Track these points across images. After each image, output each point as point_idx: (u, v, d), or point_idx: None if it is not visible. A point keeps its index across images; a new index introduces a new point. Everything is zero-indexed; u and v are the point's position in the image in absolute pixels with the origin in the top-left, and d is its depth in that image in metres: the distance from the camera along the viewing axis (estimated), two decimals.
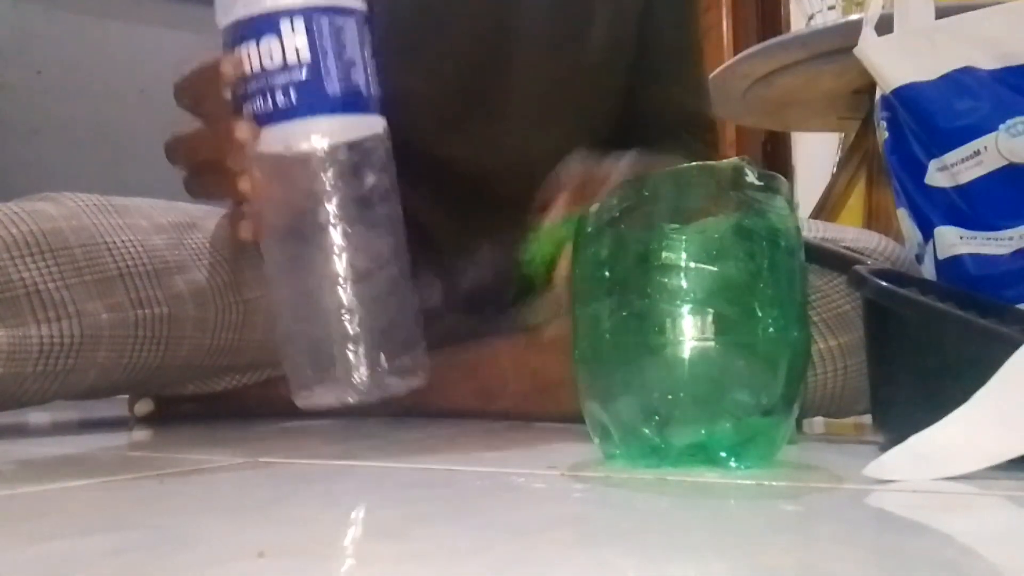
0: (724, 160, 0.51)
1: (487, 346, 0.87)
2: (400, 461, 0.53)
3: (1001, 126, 0.63)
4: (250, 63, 0.48)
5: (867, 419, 0.65)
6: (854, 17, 1.42)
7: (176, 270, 0.72)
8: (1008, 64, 0.64)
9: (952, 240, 0.66)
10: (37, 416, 0.90)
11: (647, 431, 0.48)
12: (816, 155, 2.23)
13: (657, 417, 0.47)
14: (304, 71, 0.48)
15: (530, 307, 0.92)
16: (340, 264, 0.49)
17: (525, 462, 0.52)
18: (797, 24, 2.24)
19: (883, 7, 0.75)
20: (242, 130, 0.48)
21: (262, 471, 0.49)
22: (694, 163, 0.52)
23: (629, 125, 0.95)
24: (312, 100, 0.48)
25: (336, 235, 0.49)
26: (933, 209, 0.67)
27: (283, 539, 0.31)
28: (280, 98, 0.48)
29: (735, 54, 1.50)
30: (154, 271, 0.71)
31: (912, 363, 0.56)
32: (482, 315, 0.96)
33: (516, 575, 0.26)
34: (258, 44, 0.48)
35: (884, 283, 0.57)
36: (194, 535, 0.32)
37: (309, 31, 0.48)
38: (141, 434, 0.73)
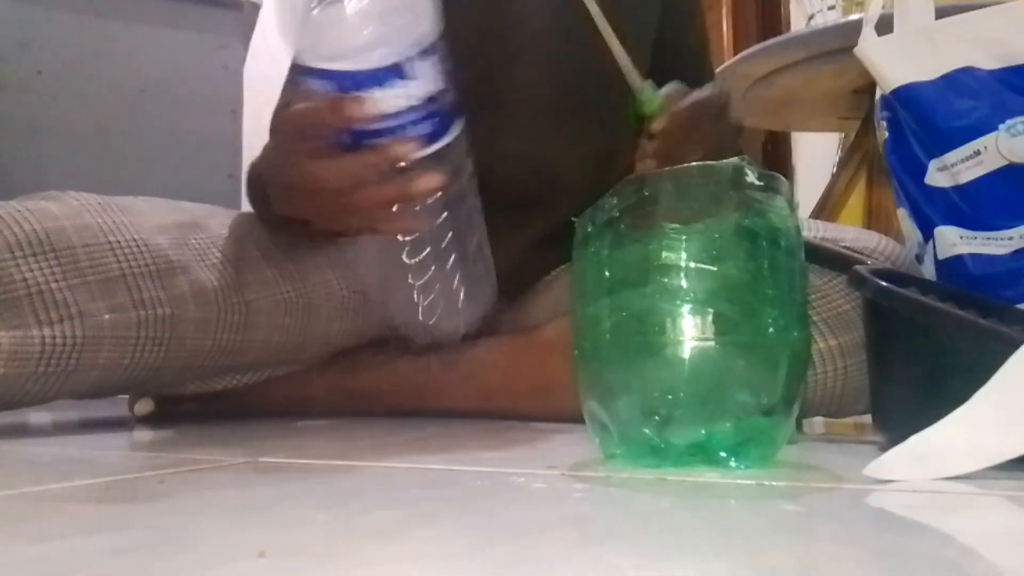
0: (724, 160, 0.51)
1: (487, 346, 0.87)
2: (400, 461, 0.53)
3: (1001, 126, 0.63)
4: (376, 108, 0.53)
5: (867, 419, 0.65)
6: (854, 17, 1.42)
7: (179, 271, 0.72)
8: (1008, 64, 0.64)
9: (952, 240, 0.66)
10: (37, 416, 0.90)
11: (647, 431, 0.48)
12: (816, 155, 2.23)
13: (657, 417, 0.47)
14: (425, 107, 0.54)
15: (530, 307, 0.92)
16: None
17: (525, 462, 0.52)
18: (797, 24, 2.24)
19: (883, 7, 0.75)
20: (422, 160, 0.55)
21: (262, 471, 0.49)
22: (694, 163, 0.52)
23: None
24: (438, 127, 0.55)
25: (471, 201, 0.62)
26: (933, 209, 0.67)
27: (283, 539, 0.31)
28: (410, 132, 0.54)
29: (735, 54, 1.50)
30: (157, 271, 0.71)
31: (912, 363, 0.56)
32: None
33: (516, 575, 0.26)
34: (382, 88, 0.53)
35: (884, 283, 0.57)
36: (194, 535, 0.32)
37: (432, 74, 0.53)
38: (141, 434, 0.73)
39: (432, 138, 0.55)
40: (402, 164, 0.55)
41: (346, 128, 0.55)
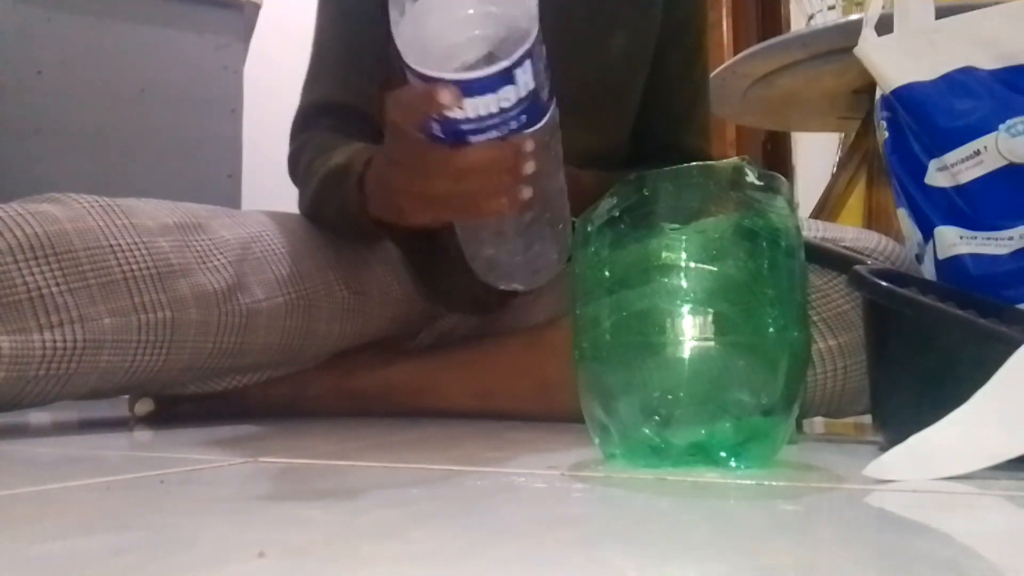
0: (724, 160, 0.51)
1: (487, 346, 0.87)
2: (400, 461, 0.53)
3: (1001, 126, 0.63)
4: (487, 109, 0.55)
5: (867, 419, 0.65)
6: (854, 17, 1.41)
7: (180, 273, 0.72)
8: (1008, 64, 0.64)
9: (952, 240, 0.66)
10: (37, 416, 0.90)
11: (647, 431, 0.48)
12: (816, 155, 2.23)
13: (657, 417, 0.47)
14: (530, 99, 0.55)
15: (530, 307, 0.92)
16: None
17: (525, 462, 0.52)
18: (797, 24, 2.24)
19: (883, 7, 0.75)
20: (528, 146, 0.58)
21: (262, 471, 0.49)
22: (694, 163, 0.52)
23: (630, 156, 0.96)
24: (537, 113, 0.57)
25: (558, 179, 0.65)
26: (933, 209, 0.67)
27: (283, 539, 0.31)
28: (513, 125, 0.57)
29: (735, 54, 1.50)
30: (158, 274, 0.71)
31: (912, 363, 0.56)
32: (483, 315, 0.96)
33: (516, 575, 0.26)
34: (496, 94, 0.54)
35: (884, 283, 0.57)
36: (194, 535, 0.32)
37: (535, 68, 0.55)
38: (141, 434, 0.73)
39: (530, 124, 0.57)
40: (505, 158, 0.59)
41: (447, 126, 0.57)
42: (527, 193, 0.60)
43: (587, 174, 0.87)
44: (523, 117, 0.56)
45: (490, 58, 0.55)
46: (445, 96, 0.54)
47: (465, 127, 0.56)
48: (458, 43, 0.55)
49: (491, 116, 0.56)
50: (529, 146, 0.58)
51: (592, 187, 0.78)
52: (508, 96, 0.55)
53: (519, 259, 0.65)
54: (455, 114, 0.55)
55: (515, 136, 0.57)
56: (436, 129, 0.57)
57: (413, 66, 0.55)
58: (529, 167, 0.59)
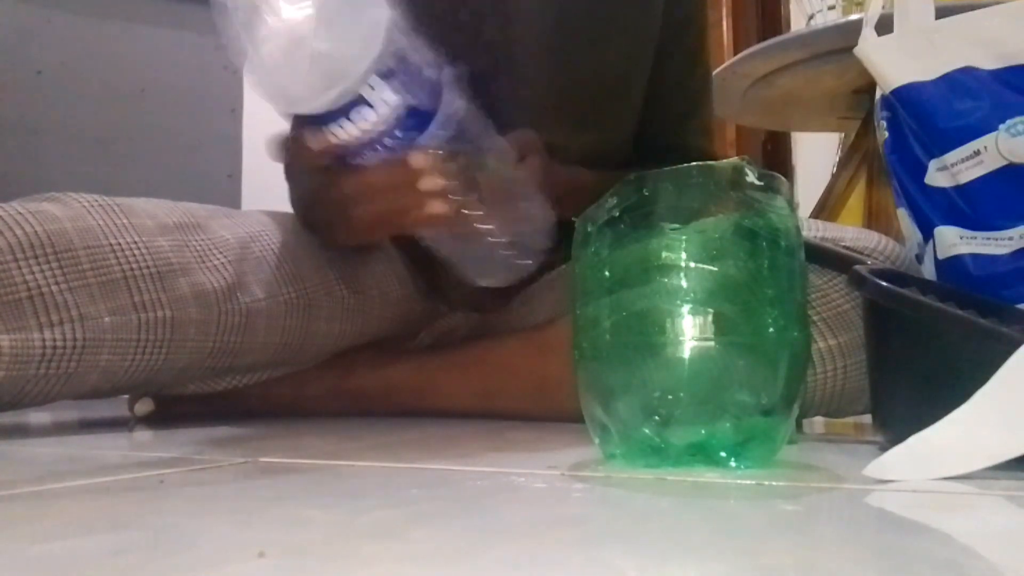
0: (724, 160, 0.51)
1: (487, 346, 0.87)
2: (400, 461, 0.53)
3: (1001, 126, 0.63)
4: (347, 134, 0.56)
5: (867, 419, 0.65)
6: (854, 17, 1.41)
7: (180, 272, 0.72)
8: (1008, 64, 0.64)
9: (952, 240, 0.66)
10: (37, 416, 0.90)
11: (647, 431, 0.48)
12: (816, 155, 2.23)
13: (657, 417, 0.47)
14: (398, 113, 0.56)
15: (530, 307, 0.92)
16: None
17: (525, 462, 0.52)
18: (797, 24, 2.24)
19: (883, 7, 0.75)
20: (417, 160, 0.58)
21: (262, 471, 0.49)
22: (694, 163, 0.52)
23: (633, 156, 0.96)
24: (417, 125, 0.58)
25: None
26: (933, 209, 0.67)
27: (283, 539, 0.31)
28: (395, 139, 0.57)
29: (735, 54, 1.50)
30: (158, 273, 0.71)
31: (912, 363, 0.56)
32: (483, 315, 0.96)
33: (516, 575, 0.26)
34: (349, 118, 0.55)
35: (884, 283, 0.57)
36: (194, 535, 0.32)
37: (393, 83, 0.55)
38: (141, 434, 0.73)
39: (412, 136, 0.58)
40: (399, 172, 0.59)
41: (328, 155, 0.59)
42: (438, 207, 0.60)
43: (589, 173, 0.87)
44: (396, 132, 0.57)
45: (328, 90, 0.56)
46: (311, 140, 0.57)
47: (343, 154, 0.58)
48: (301, 91, 0.56)
49: (359, 139, 0.57)
50: (417, 160, 0.58)
51: (594, 186, 0.78)
52: (366, 117, 0.56)
53: (490, 257, 0.66)
54: (326, 145, 0.57)
55: (397, 152, 0.58)
56: (324, 161, 0.60)
57: (276, 109, 0.57)
58: (428, 182, 0.59)
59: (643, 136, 0.98)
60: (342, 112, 0.55)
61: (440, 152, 0.59)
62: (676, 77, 0.98)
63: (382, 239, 0.66)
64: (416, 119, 0.57)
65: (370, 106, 0.55)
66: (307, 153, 0.59)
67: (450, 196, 0.60)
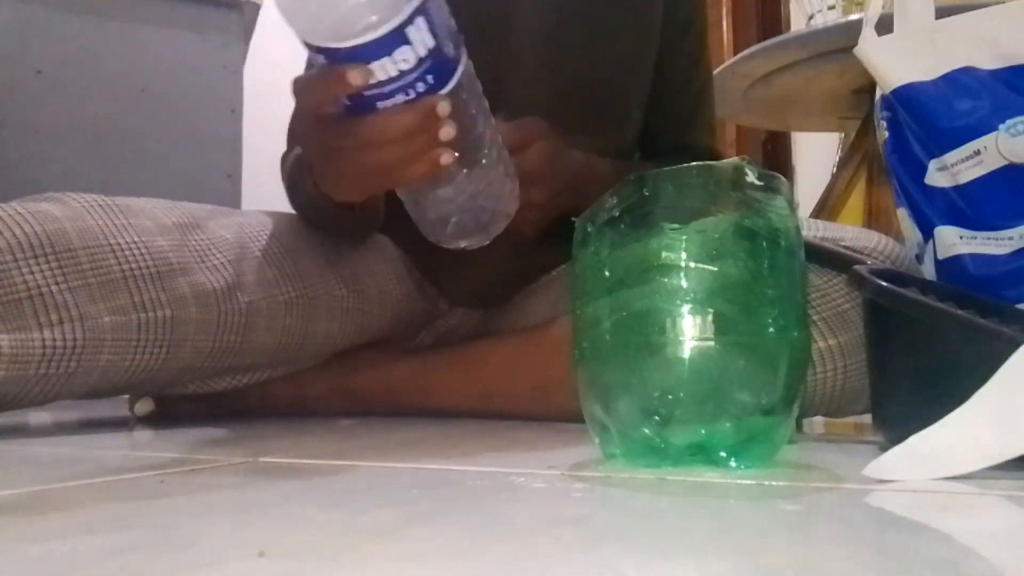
0: (724, 160, 0.51)
1: (487, 346, 0.87)
2: (400, 461, 0.53)
3: (1001, 126, 0.63)
4: (385, 73, 0.54)
5: (867, 419, 0.65)
6: (854, 17, 1.41)
7: (180, 272, 0.72)
8: (1008, 64, 0.64)
9: (952, 240, 0.66)
10: (37, 416, 0.90)
11: (647, 431, 0.48)
12: (816, 155, 2.23)
13: (657, 417, 0.47)
14: (432, 58, 0.55)
15: (531, 307, 0.92)
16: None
17: (525, 462, 0.52)
18: (797, 24, 2.24)
19: (883, 7, 0.75)
20: (443, 108, 0.57)
21: (262, 471, 0.49)
22: (694, 163, 0.52)
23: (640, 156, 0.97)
24: (444, 72, 0.56)
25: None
26: (933, 209, 0.67)
27: (283, 539, 0.31)
28: (420, 87, 0.56)
29: (735, 54, 1.50)
30: (158, 273, 0.71)
31: (912, 363, 0.56)
32: (483, 314, 0.96)
33: (516, 575, 0.26)
34: (391, 57, 0.53)
35: (884, 283, 0.57)
36: (194, 535, 0.32)
37: (431, 24, 0.54)
38: (141, 434, 0.73)
39: (439, 84, 0.56)
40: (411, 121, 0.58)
41: (352, 95, 0.56)
42: (447, 157, 0.59)
43: (605, 161, 0.87)
44: (428, 78, 0.55)
45: (378, 22, 0.53)
46: (355, 76, 0.54)
47: (368, 94, 0.56)
48: (343, 12, 0.53)
49: (391, 80, 0.55)
50: (443, 108, 0.57)
51: (610, 176, 0.78)
52: (405, 57, 0.54)
53: (463, 216, 0.65)
54: (364, 82, 0.54)
55: (424, 98, 0.56)
56: (344, 102, 0.57)
57: (303, 38, 0.54)
58: (447, 131, 0.58)
59: (647, 137, 0.98)
60: (385, 48, 0.53)
61: (462, 101, 0.59)
62: (678, 78, 0.98)
63: (389, 188, 0.65)
64: (442, 68, 0.56)
65: (409, 44, 0.53)
66: (325, 94, 0.57)
67: (460, 146, 0.60)
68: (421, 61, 0.54)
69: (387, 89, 0.55)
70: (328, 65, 0.55)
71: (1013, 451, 0.43)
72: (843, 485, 0.44)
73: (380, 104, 0.56)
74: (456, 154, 0.60)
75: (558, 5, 0.89)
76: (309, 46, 0.55)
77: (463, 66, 0.59)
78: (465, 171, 0.62)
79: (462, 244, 0.66)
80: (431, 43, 0.54)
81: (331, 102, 0.58)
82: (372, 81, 0.54)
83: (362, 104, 0.57)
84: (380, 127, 0.57)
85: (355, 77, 0.54)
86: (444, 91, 0.57)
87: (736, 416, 0.47)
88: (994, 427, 0.44)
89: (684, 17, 0.97)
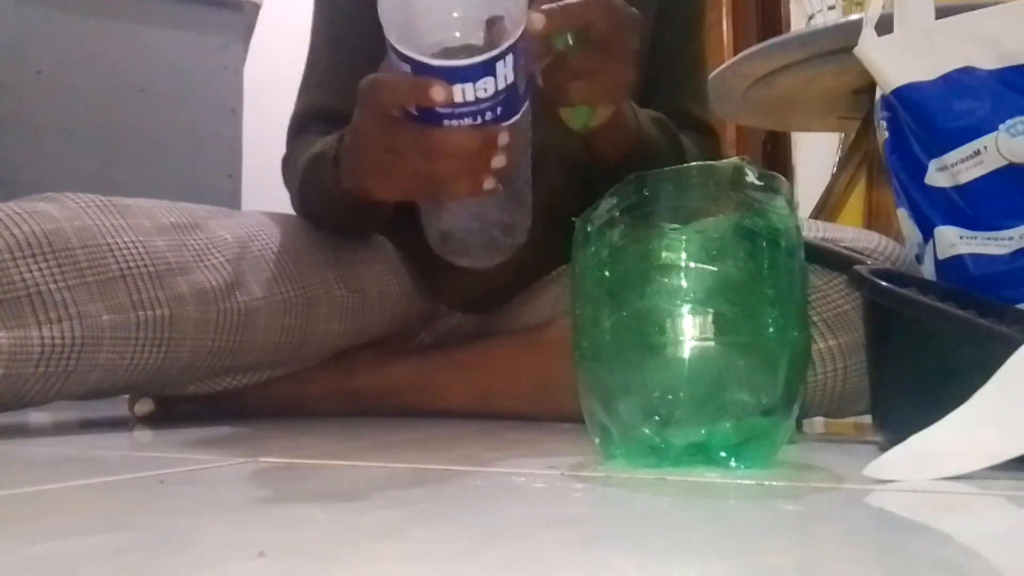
0: (724, 160, 0.51)
1: (487, 346, 0.87)
2: (400, 461, 0.53)
3: (1001, 126, 0.63)
4: (463, 96, 0.56)
5: (867, 419, 0.65)
6: (854, 17, 1.41)
7: (178, 271, 0.72)
8: (1008, 64, 0.64)
9: (952, 240, 0.66)
10: (37, 416, 0.90)
11: (647, 431, 0.48)
12: (816, 155, 2.23)
13: (657, 417, 0.47)
14: (507, 92, 0.57)
15: (530, 307, 0.92)
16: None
17: (525, 462, 0.52)
18: (797, 24, 2.25)
19: (883, 7, 0.75)
20: (503, 139, 0.60)
21: (262, 471, 0.49)
22: (694, 163, 0.52)
23: None
24: (512, 107, 0.59)
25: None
26: (933, 209, 0.67)
27: (283, 539, 0.31)
28: (488, 115, 0.58)
29: (735, 54, 1.50)
30: (156, 272, 0.71)
31: (912, 363, 0.56)
32: (483, 315, 0.96)
33: (516, 575, 0.26)
34: (475, 84, 0.56)
35: (884, 283, 0.57)
36: (194, 535, 0.32)
37: (516, 62, 0.56)
38: (141, 434, 0.73)
39: (504, 117, 0.59)
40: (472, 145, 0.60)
41: (426, 108, 0.58)
42: (490, 184, 0.61)
43: (644, 113, 0.86)
44: (498, 109, 0.58)
45: (471, 47, 0.56)
46: (438, 93, 0.56)
47: (441, 111, 0.57)
48: (443, 21, 0.56)
49: (467, 104, 0.57)
50: (503, 139, 0.59)
51: (636, 118, 0.78)
52: (487, 87, 0.56)
53: (476, 237, 0.67)
54: (448, 99, 0.56)
55: (490, 126, 0.58)
56: (412, 110, 0.59)
57: (395, 45, 0.55)
58: (499, 160, 0.60)
59: (641, 102, 0.97)
60: (473, 75, 0.55)
61: (518, 137, 0.61)
62: (674, 43, 0.97)
63: (427, 197, 0.66)
64: (512, 103, 0.58)
65: (493, 76, 0.55)
66: (401, 99, 0.59)
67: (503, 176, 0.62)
68: (497, 93, 0.57)
69: (460, 111, 0.57)
70: (412, 74, 0.57)
71: (1013, 451, 0.43)
72: (843, 485, 0.44)
73: (447, 122, 0.58)
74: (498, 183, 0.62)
75: None
76: (398, 52, 0.56)
77: (527, 105, 0.61)
78: (494, 198, 0.64)
79: (465, 263, 0.68)
80: (511, 79, 0.56)
81: (401, 107, 0.60)
82: (453, 100, 0.56)
83: (430, 117, 0.58)
84: (446, 142, 0.59)
85: (438, 94, 0.56)
86: (507, 124, 0.59)
87: (736, 416, 0.47)
88: (994, 427, 0.44)
89: None
